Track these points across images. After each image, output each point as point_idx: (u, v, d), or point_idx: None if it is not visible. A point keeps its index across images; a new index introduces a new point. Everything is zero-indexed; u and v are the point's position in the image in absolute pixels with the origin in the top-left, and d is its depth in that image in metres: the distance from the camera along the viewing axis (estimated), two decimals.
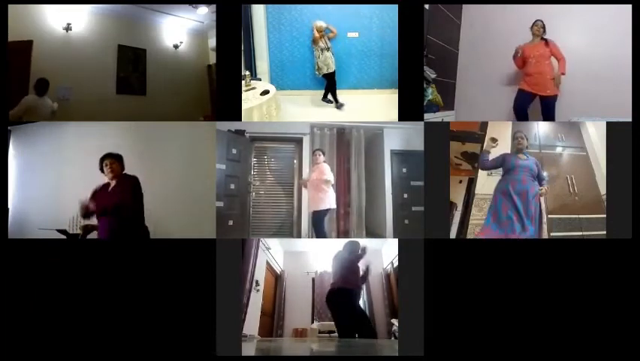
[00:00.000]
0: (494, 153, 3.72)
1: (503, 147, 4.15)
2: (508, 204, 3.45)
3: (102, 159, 3.19)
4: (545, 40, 4.45)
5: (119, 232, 3.05)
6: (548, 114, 4.49)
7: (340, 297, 3.89)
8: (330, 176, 4.38)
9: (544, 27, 4.42)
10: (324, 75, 5.20)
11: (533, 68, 4.46)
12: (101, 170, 3.19)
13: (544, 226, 3.90)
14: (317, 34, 5.09)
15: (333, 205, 4.46)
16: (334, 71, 5.18)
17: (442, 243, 3.10)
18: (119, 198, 3.06)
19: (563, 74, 4.41)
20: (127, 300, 3.01)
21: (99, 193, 3.14)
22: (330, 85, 5.23)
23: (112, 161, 3.17)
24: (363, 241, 5.47)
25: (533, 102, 4.54)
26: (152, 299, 3.01)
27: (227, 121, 3.44)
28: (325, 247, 5.69)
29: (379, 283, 5.52)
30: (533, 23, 4.44)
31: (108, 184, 3.17)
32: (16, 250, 3.05)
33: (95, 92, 4.96)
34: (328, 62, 5.12)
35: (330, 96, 5.27)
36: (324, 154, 4.58)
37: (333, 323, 4.25)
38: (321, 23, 5.06)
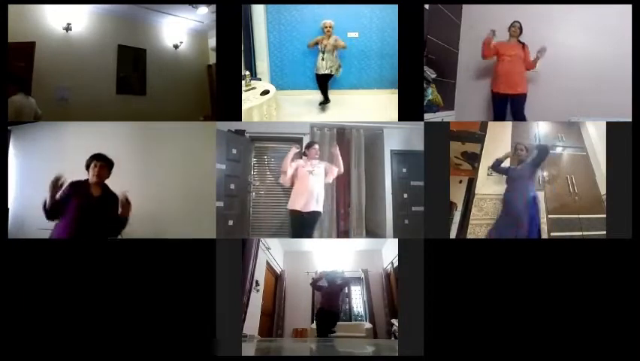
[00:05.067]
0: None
1: (503, 147, 4.16)
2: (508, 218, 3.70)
3: (92, 158, 3.06)
4: (522, 43, 4.49)
5: (78, 234, 2.99)
6: (518, 113, 4.53)
7: (327, 317, 4.84)
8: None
9: (521, 29, 4.50)
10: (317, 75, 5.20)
11: (507, 66, 4.52)
12: (87, 168, 3.06)
13: (545, 227, 3.92)
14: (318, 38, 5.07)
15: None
16: (321, 75, 5.15)
17: (442, 243, 3.11)
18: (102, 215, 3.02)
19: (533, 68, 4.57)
20: (127, 300, 3.01)
21: (79, 193, 2.99)
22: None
23: (102, 164, 3.05)
24: (363, 242, 5.53)
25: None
26: (152, 299, 3.01)
27: (227, 121, 3.44)
28: (325, 247, 5.71)
29: (379, 283, 5.52)
30: (511, 25, 4.48)
31: (89, 185, 3.05)
32: (16, 250, 3.05)
33: (95, 92, 4.96)
34: (319, 64, 5.11)
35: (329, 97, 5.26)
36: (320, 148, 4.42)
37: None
38: (328, 21, 5.04)
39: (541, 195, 4.05)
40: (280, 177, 4.32)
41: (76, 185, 3.03)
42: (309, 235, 4.11)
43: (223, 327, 3.00)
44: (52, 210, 2.93)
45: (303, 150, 4.40)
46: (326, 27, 5.02)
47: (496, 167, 3.99)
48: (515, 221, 3.67)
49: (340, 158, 4.22)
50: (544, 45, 4.47)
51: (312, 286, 5.22)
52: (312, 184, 4.07)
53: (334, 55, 5.10)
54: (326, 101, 5.23)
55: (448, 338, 3.00)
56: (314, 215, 4.07)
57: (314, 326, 5.10)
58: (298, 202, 4.06)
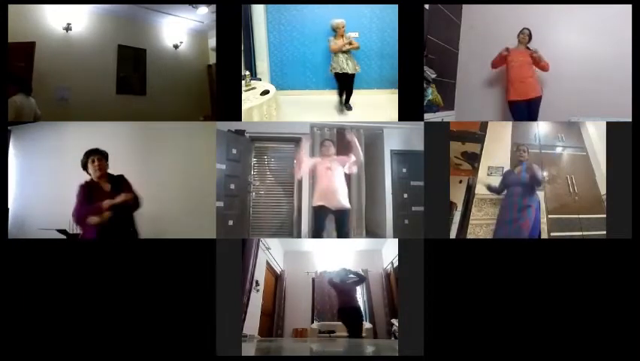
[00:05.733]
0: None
1: (503, 147, 4.16)
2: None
3: (87, 154, 3.03)
4: (531, 51, 4.48)
5: (109, 232, 2.96)
6: (532, 116, 4.51)
7: (351, 315, 4.57)
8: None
9: (530, 35, 4.46)
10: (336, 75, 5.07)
11: (517, 72, 4.49)
12: (84, 166, 3.03)
13: (545, 227, 3.91)
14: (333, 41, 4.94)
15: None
16: (348, 75, 5.01)
17: (442, 243, 3.10)
18: (121, 200, 2.95)
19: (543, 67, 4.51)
20: (127, 300, 3.01)
21: (94, 194, 2.96)
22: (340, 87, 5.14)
23: (100, 157, 3.02)
24: (363, 242, 5.53)
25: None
26: (152, 299, 3.01)
27: (227, 121, 3.44)
28: (326, 247, 5.71)
29: (379, 283, 5.52)
30: (520, 31, 4.46)
31: (97, 183, 3.01)
32: (16, 250, 3.05)
33: (95, 92, 4.96)
34: (341, 63, 4.95)
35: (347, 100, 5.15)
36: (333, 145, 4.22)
37: (333, 323, 5.00)
38: (338, 21, 4.98)
39: (541, 195, 4.05)
40: (295, 170, 4.21)
41: (85, 187, 3.00)
42: (345, 235, 4.04)
43: (223, 327, 3.00)
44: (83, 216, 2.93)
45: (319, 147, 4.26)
46: (339, 27, 4.97)
47: (494, 191, 3.96)
48: (512, 229, 3.63)
49: (358, 145, 4.08)
50: (535, 48, 4.50)
51: (329, 283, 5.03)
52: (333, 179, 3.97)
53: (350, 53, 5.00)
54: (347, 108, 5.13)
55: (448, 338, 3.00)
56: (343, 213, 3.97)
57: (314, 326, 5.11)
58: (322, 198, 3.94)
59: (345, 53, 4.94)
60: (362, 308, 5.00)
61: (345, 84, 5.08)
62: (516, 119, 4.59)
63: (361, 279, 4.94)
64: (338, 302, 4.73)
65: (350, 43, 4.95)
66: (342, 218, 3.98)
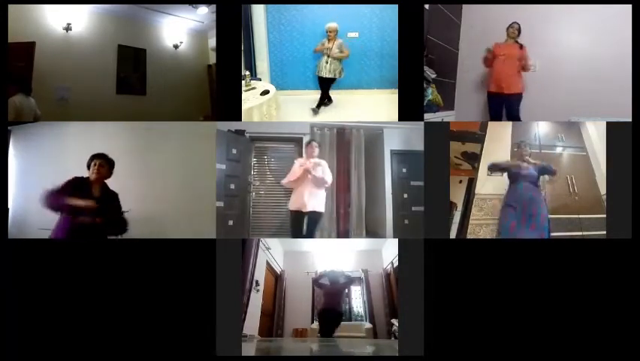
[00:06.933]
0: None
1: (503, 147, 4.16)
2: (511, 216, 3.54)
3: (92, 157, 3.08)
4: (520, 44, 4.47)
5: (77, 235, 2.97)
6: (512, 113, 4.51)
7: (330, 317, 4.65)
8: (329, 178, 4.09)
9: (519, 30, 4.46)
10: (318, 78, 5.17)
11: (501, 65, 4.49)
12: (88, 167, 3.08)
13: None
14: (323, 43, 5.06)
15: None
16: (325, 78, 5.11)
17: (442, 243, 3.10)
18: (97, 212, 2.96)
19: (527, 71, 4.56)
20: (127, 300, 3.01)
21: (77, 190, 2.97)
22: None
23: (101, 162, 3.06)
24: (363, 242, 5.53)
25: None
26: (152, 299, 3.01)
27: (227, 121, 3.44)
28: (325, 248, 5.71)
29: (379, 283, 5.52)
30: (510, 25, 4.46)
31: (90, 185, 3.04)
32: (16, 250, 3.05)
33: (95, 92, 4.96)
34: (321, 66, 5.08)
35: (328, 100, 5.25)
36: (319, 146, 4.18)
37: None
38: (330, 25, 5.02)
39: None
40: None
41: (76, 181, 3.02)
42: (311, 235, 4.00)
43: (223, 327, 3.00)
44: (54, 199, 2.94)
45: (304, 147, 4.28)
46: (330, 31, 4.99)
47: (493, 169, 3.86)
48: (523, 217, 3.53)
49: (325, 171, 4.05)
50: (537, 61, 4.56)
51: (313, 283, 5.14)
52: (308, 184, 3.96)
53: (338, 59, 5.06)
54: (324, 103, 5.17)
55: (448, 338, 3.00)
56: (314, 215, 3.96)
57: (314, 325, 5.10)
58: (296, 202, 3.98)
59: (329, 57, 5.00)
60: (343, 311, 5.01)
61: (322, 87, 5.17)
62: (492, 113, 4.60)
63: (349, 280, 4.99)
64: (322, 302, 4.76)
65: (341, 52, 5.02)
66: (313, 218, 3.96)
